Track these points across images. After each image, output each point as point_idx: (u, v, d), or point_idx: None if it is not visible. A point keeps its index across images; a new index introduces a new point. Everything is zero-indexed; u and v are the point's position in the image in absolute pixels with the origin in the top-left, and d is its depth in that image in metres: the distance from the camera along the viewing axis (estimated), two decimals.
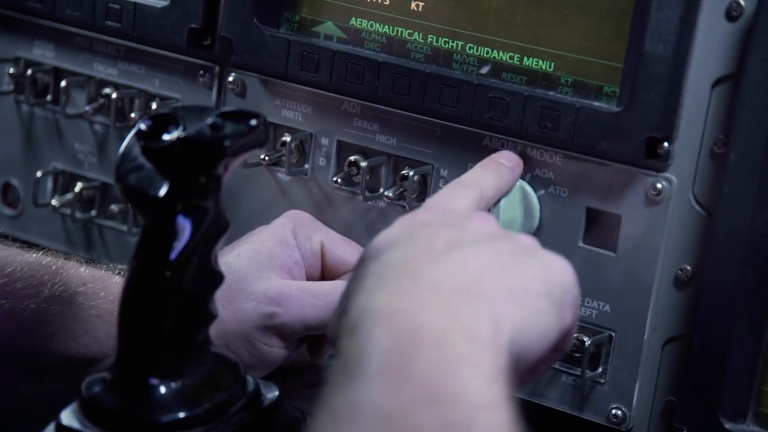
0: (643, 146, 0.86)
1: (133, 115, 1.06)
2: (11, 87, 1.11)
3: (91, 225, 1.11)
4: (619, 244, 0.89)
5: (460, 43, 0.93)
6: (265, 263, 0.89)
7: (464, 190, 0.77)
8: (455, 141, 0.94)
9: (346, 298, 0.68)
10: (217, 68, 1.03)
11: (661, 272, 0.88)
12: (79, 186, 1.10)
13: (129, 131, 0.73)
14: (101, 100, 1.08)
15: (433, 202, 0.75)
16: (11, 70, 1.11)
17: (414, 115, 0.95)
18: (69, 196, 1.10)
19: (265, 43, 0.97)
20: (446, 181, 0.94)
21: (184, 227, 0.71)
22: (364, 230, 0.97)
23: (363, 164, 0.96)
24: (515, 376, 0.65)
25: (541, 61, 0.90)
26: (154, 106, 1.05)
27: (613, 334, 0.90)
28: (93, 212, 1.10)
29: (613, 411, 0.90)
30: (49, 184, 1.11)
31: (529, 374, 0.70)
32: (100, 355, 0.84)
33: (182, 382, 0.73)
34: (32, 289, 0.84)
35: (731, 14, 0.84)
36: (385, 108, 0.96)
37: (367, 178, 0.96)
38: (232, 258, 0.88)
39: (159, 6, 1.02)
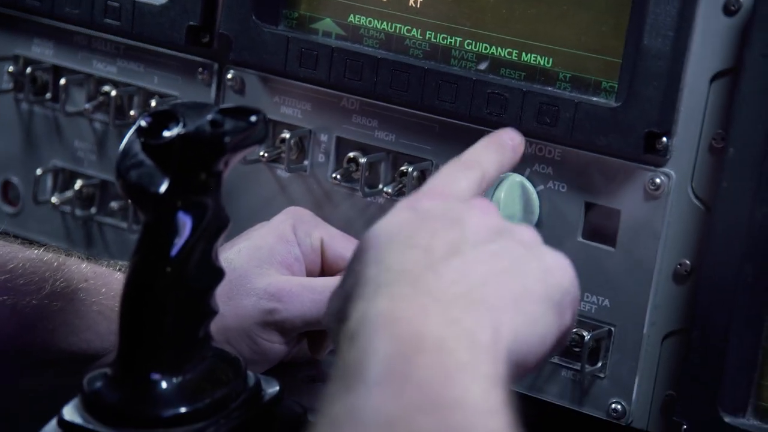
0: (641, 141, 0.86)
1: (132, 112, 1.06)
2: (11, 85, 1.11)
3: (91, 222, 1.11)
4: (618, 238, 0.89)
5: (458, 39, 0.93)
6: (265, 259, 0.89)
7: (466, 170, 0.75)
8: (454, 137, 0.94)
9: (346, 300, 0.68)
10: (215, 65, 1.03)
11: (660, 267, 0.88)
12: (78, 183, 1.10)
13: (128, 129, 0.73)
14: (100, 98, 1.08)
15: (433, 184, 0.74)
16: (11, 69, 1.11)
17: (413, 111, 0.95)
18: (69, 193, 1.10)
19: (263, 40, 0.98)
20: None
21: (185, 223, 0.71)
22: (363, 226, 0.97)
23: (362, 160, 0.96)
24: (514, 378, 0.65)
25: (539, 57, 0.91)
26: (153, 103, 1.05)
27: (612, 328, 0.90)
28: (93, 210, 1.10)
29: (613, 405, 0.90)
30: (49, 181, 1.12)
31: (526, 373, 0.70)
32: (101, 351, 0.84)
33: (183, 377, 0.73)
34: (34, 286, 0.84)
35: (729, 9, 0.84)
36: (384, 104, 0.96)
37: (367, 174, 0.96)
38: (232, 254, 0.88)
39: (157, 4, 1.02)
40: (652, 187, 0.87)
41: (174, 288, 0.72)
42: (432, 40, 0.94)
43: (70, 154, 1.11)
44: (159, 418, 0.72)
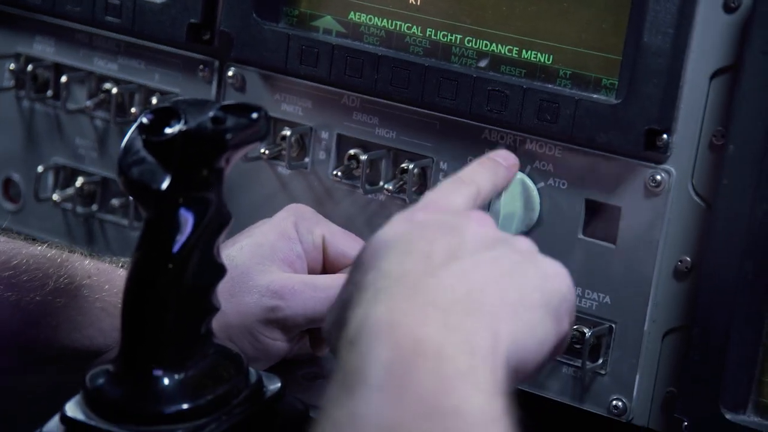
0: (642, 138, 0.86)
1: (133, 109, 1.06)
2: (12, 83, 1.12)
3: (92, 219, 1.11)
4: (618, 235, 0.89)
5: (458, 36, 0.93)
6: (267, 256, 0.89)
7: (461, 186, 0.77)
8: (454, 134, 0.94)
9: (345, 308, 0.68)
10: (216, 63, 1.03)
11: (661, 264, 0.88)
12: (80, 181, 1.10)
13: (129, 126, 0.74)
14: (101, 95, 1.08)
15: (430, 198, 0.75)
16: (12, 66, 1.11)
17: (413, 108, 0.95)
18: (70, 190, 1.10)
19: (264, 38, 0.98)
20: (446, 174, 0.94)
21: (187, 220, 0.72)
22: (364, 223, 0.98)
23: (363, 158, 0.97)
24: (512, 384, 0.65)
25: (539, 54, 0.91)
26: (154, 100, 1.05)
27: (613, 325, 0.90)
28: (94, 207, 1.10)
29: (614, 402, 0.90)
30: (50, 178, 1.12)
31: (524, 379, 0.71)
32: (104, 348, 0.84)
33: (185, 373, 0.73)
34: (37, 282, 0.85)
35: (729, 6, 0.84)
36: (385, 101, 0.96)
37: (367, 171, 0.96)
38: (234, 251, 0.88)
39: (158, 1, 1.02)
40: (653, 184, 0.88)
41: (176, 285, 0.72)
42: (432, 37, 0.94)
43: (71, 152, 1.11)
44: (161, 414, 0.72)
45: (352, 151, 0.98)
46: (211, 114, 0.72)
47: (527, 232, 0.92)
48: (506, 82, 0.90)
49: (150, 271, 0.72)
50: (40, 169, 1.11)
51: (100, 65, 1.08)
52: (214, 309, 0.75)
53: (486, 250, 0.69)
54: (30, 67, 1.10)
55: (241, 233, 0.91)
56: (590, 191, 0.90)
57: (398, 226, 0.71)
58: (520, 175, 0.91)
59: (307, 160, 1.00)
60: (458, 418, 0.60)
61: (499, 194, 0.89)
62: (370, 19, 0.96)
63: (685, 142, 0.87)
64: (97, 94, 1.08)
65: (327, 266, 0.92)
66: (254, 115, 0.73)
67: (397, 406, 0.59)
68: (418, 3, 0.94)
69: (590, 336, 0.90)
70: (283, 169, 1.00)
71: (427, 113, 0.95)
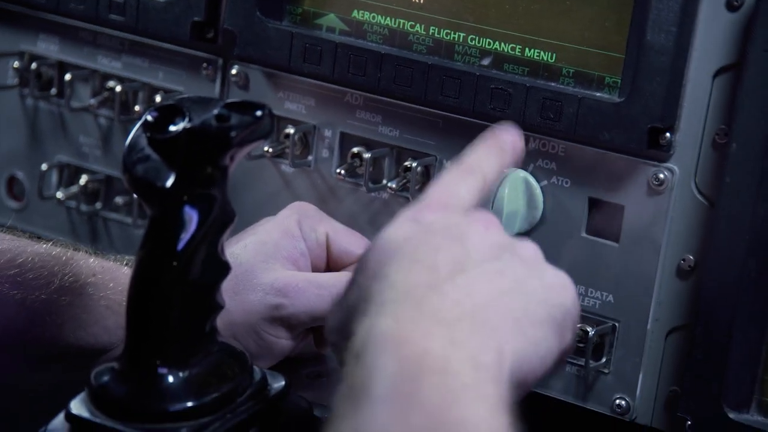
0: (645, 136, 0.86)
1: (137, 108, 1.06)
2: (16, 81, 1.12)
3: (96, 217, 1.11)
4: (621, 234, 0.89)
5: (461, 34, 0.93)
6: (271, 254, 0.89)
7: (467, 176, 0.75)
8: (458, 132, 0.94)
9: (349, 314, 0.68)
10: (220, 61, 1.03)
11: (664, 262, 0.88)
12: (84, 179, 1.10)
13: (133, 124, 0.74)
14: (105, 93, 1.08)
15: (435, 192, 0.74)
16: (16, 64, 1.11)
17: (416, 106, 0.95)
18: (74, 188, 1.10)
19: (267, 36, 0.98)
20: None
21: (191, 218, 0.72)
22: (367, 221, 0.98)
23: (366, 156, 0.97)
24: (515, 397, 0.65)
25: (542, 52, 0.91)
26: (157, 98, 1.05)
27: (616, 324, 0.90)
28: (98, 205, 1.10)
29: (617, 401, 0.90)
30: (54, 177, 1.12)
31: (525, 392, 0.71)
32: (108, 346, 0.84)
33: (190, 371, 0.73)
34: (43, 280, 0.85)
35: (732, 4, 0.84)
36: (388, 99, 0.96)
37: (371, 169, 0.97)
38: (238, 249, 0.88)
39: (162, 0, 1.02)
40: (656, 183, 0.88)
41: (180, 282, 0.72)
42: (435, 35, 0.94)
43: (75, 150, 1.11)
44: (165, 412, 0.72)
45: (355, 149, 0.98)
46: (215, 111, 0.72)
47: (530, 230, 0.92)
48: (509, 80, 0.90)
49: (154, 269, 0.72)
50: (44, 167, 1.11)
51: (104, 63, 1.08)
52: (218, 307, 0.75)
53: (491, 260, 0.69)
54: (34, 65, 1.10)
55: (245, 231, 0.91)
56: (593, 189, 0.90)
57: (403, 228, 0.70)
58: (523, 173, 0.91)
59: (310, 158, 1.00)
60: None
61: (502, 192, 0.90)
62: (374, 17, 0.96)
63: (688, 141, 0.87)
64: (101, 92, 1.08)
65: (331, 264, 0.92)
66: (258, 113, 0.73)
67: (403, 419, 0.60)
68: (422, 1, 0.94)
69: (593, 335, 0.90)
70: (286, 167, 1.00)
71: (430, 111, 0.95)
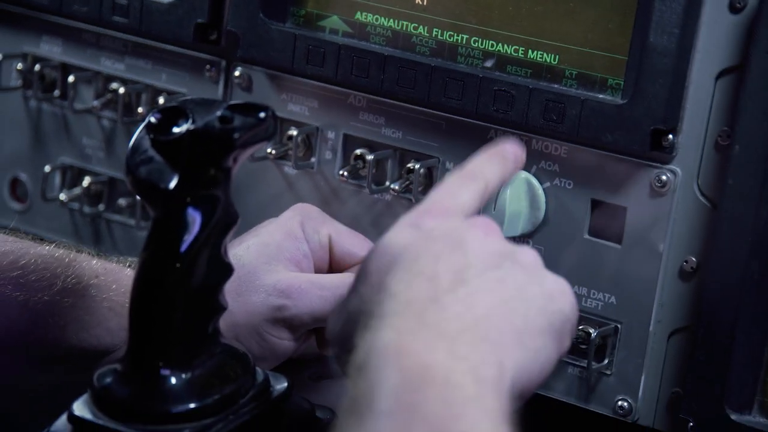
0: (647, 138, 0.86)
1: (140, 109, 1.06)
2: (19, 82, 1.12)
3: (99, 219, 1.11)
4: (624, 235, 0.89)
5: (464, 36, 0.94)
6: (273, 256, 0.89)
7: (469, 182, 0.76)
8: (461, 134, 0.94)
9: (350, 323, 0.68)
10: (223, 63, 1.03)
11: (666, 264, 0.88)
12: (87, 180, 1.10)
13: (136, 126, 0.74)
14: (108, 95, 1.08)
15: (437, 197, 0.74)
16: (19, 66, 1.11)
17: (419, 108, 0.95)
18: (77, 190, 1.10)
19: (271, 38, 0.98)
20: None
21: (194, 219, 0.72)
22: (370, 223, 0.98)
23: (369, 157, 0.97)
24: (514, 405, 0.66)
25: (545, 54, 0.91)
26: (161, 100, 1.06)
27: (618, 325, 0.90)
28: (101, 206, 1.11)
29: (619, 402, 0.90)
30: (58, 178, 1.12)
31: (524, 400, 0.71)
32: (111, 347, 0.84)
33: (192, 373, 0.73)
34: (45, 282, 0.85)
35: (735, 6, 0.84)
36: (391, 101, 0.96)
37: (374, 171, 0.97)
38: (241, 251, 0.88)
39: (165, 1, 1.02)
40: (658, 185, 0.88)
41: (183, 284, 0.72)
42: (439, 37, 0.94)
43: (78, 152, 1.11)
44: (168, 413, 0.72)
45: (358, 151, 0.98)
46: (218, 113, 0.72)
47: (533, 231, 0.92)
48: (512, 82, 0.90)
49: (158, 271, 0.72)
50: (47, 168, 1.11)
51: (108, 65, 1.08)
52: (221, 308, 0.76)
53: (491, 269, 0.69)
54: (37, 67, 1.10)
55: (247, 233, 0.91)
56: (596, 191, 0.90)
57: (404, 234, 0.70)
58: (526, 175, 0.91)
59: (313, 159, 1.00)
60: None
61: (504, 193, 0.90)
62: (377, 19, 0.96)
63: (691, 143, 0.87)
64: (104, 94, 1.08)
65: (333, 265, 0.92)
66: (262, 115, 0.73)
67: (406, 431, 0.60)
68: (425, 3, 0.95)
69: (596, 336, 0.90)
70: (289, 168, 1.01)
71: (433, 113, 0.95)
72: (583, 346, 0.90)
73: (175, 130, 0.71)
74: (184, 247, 0.72)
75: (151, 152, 0.72)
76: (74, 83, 1.08)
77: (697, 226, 0.87)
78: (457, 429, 0.60)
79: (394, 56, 0.94)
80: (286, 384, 0.79)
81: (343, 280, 0.88)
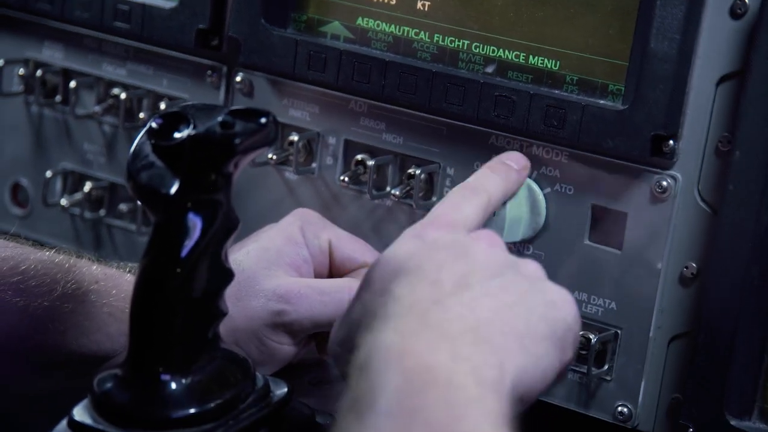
0: (648, 144, 0.86)
1: (141, 115, 1.07)
2: (21, 88, 1.12)
3: (100, 224, 1.11)
4: (624, 241, 0.89)
5: (466, 42, 0.94)
6: (273, 261, 0.89)
7: (471, 196, 0.77)
8: (462, 139, 0.94)
9: (353, 329, 0.68)
10: (224, 68, 1.03)
11: (667, 270, 0.88)
12: (88, 186, 1.10)
13: (138, 131, 0.74)
14: (110, 101, 1.08)
15: (440, 211, 0.75)
16: (21, 71, 1.12)
17: (420, 113, 0.95)
18: (78, 195, 1.11)
19: (272, 43, 0.98)
20: (453, 180, 0.94)
21: (195, 225, 0.72)
22: (371, 228, 0.98)
23: (370, 163, 0.97)
24: (515, 411, 0.66)
25: (546, 60, 0.91)
26: (162, 106, 1.06)
27: (618, 331, 0.90)
28: (102, 212, 1.11)
29: (619, 408, 0.90)
30: (59, 184, 1.12)
31: (525, 407, 0.71)
32: (111, 353, 0.85)
33: (192, 378, 0.73)
34: (45, 287, 0.85)
35: (736, 12, 0.85)
36: (392, 107, 0.96)
37: (374, 176, 0.97)
38: (241, 256, 0.88)
39: (167, 7, 1.03)
40: (659, 190, 0.88)
41: (184, 289, 0.72)
42: (440, 43, 0.95)
43: (79, 157, 1.11)
44: (168, 418, 0.72)
45: (359, 157, 0.98)
46: (219, 119, 0.72)
47: (534, 237, 0.92)
48: (513, 87, 0.90)
49: (158, 276, 0.72)
50: (48, 174, 1.11)
51: (109, 71, 1.08)
52: (221, 313, 0.76)
53: (494, 276, 0.70)
54: (39, 73, 1.10)
55: (248, 238, 0.91)
56: (596, 197, 0.90)
57: (408, 245, 0.71)
58: (527, 181, 0.91)
59: (314, 165, 1.00)
60: None
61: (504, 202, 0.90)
62: (378, 25, 0.97)
63: (692, 148, 0.87)
64: (106, 99, 1.08)
65: (333, 271, 0.92)
66: (263, 120, 0.73)
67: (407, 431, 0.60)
68: (426, 9, 0.95)
69: (596, 342, 0.90)
70: (290, 174, 1.01)
71: (434, 119, 0.95)
72: (583, 352, 0.90)
73: (177, 135, 0.71)
74: (184, 252, 0.72)
75: (152, 157, 0.72)
76: (76, 89, 1.08)
77: (697, 232, 0.87)
78: (459, 430, 0.61)
79: (395, 62, 0.94)
80: (286, 389, 0.79)
81: (343, 285, 0.88)
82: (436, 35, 0.95)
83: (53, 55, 1.10)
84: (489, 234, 0.74)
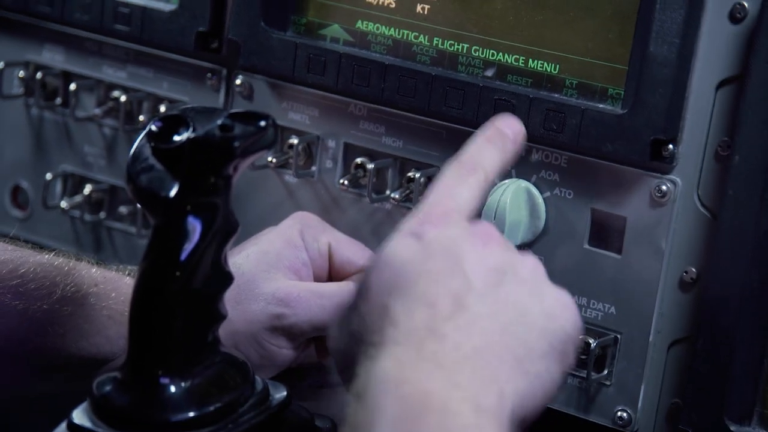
0: (647, 148, 0.86)
1: (141, 117, 1.07)
2: (21, 90, 1.12)
3: (100, 227, 1.11)
4: (624, 245, 0.89)
5: (465, 45, 0.94)
6: (273, 264, 0.89)
7: (467, 176, 0.73)
8: (461, 143, 0.93)
9: (351, 347, 0.68)
10: (224, 71, 1.03)
11: (666, 274, 0.88)
12: (88, 188, 1.10)
13: (138, 134, 0.74)
14: (110, 103, 1.08)
15: (435, 199, 0.73)
16: (21, 74, 1.12)
17: (420, 117, 0.95)
18: (78, 198, 1.11)
19: (272, 46, 0.98)
20: None
21: (195, 228, 0.72)
22: (370, 232, 0.98)
23: (369, 166, 0.97)
24: (518, 428, 0.66)
25: (546, 64, 0.91)
26: (162, 108, 1.06)
27: (618, 336, 0.90)
28: (102, 214, 1.11)
29: (619, 413, 0.90)
30: (59, 186, 1.12)
31: (527, 422, 0.71)
32: (110, 355, 0.85)
33: (192, 381, 0.73)
34: (45, 290, 0.85)
35: (735, 16, 0.85)
36: (392, 110, 0.96)
37: (374, 180, 0.97)
38: (240, 259, 0.88)
39: (167, 10, 1.03)
40: (658, 195, 0.88)
41: (183, 292, 0.72)
42: (439, 46, 0.95)
43: (79, 159, 1.11)
44: (167, 422, 0.72)
45: (358, 160, 0.98)
46: (219, 122, 0.72)
47: (533, 241, 0.92)
48: (513, 91, 0.90)
49: (158, 279, 0.72)
50: (48, 176, 1.11)
51: (109, 73, 1.08)
52: (221, 317, 0.76)
53: (491, 289, 0.69)
54: (39, 75, 1.10)
55: (247, 241, 0.91)
56: (596, 201, 0.90)
57: (404, 247, 0.69)
58: (526, 184, 0.91)
59: (314, 168, 1.00)
60: None
61: (505, 203, 0.89)
62: (378, 28, 0.97)
63: (691, 153, 0.87)
64: (106, 102, 1.09)
65: (333, 274, 0.92)
66: (262, 123, 0.73)
67: None
68: (426, 12, 0.95)
69: (595, 346, 0.90)
70: (290, 177, 1.01)
71: (433, 122, 0.95)
72: (583, 357, 0.90)
73: (176, 138, 0.71)
74: (184, 255, 0.72)
75: (152, 160, 0.72)
76: (76, 91, 1.08)
77: (697, 237, 0.87)
78: None
79: (394, 65, 0.94)
80: (285, 393, 0.79)
81: (343, 288, 0.88)
82: (435, 38, 0.95)
83: (53, 57, 1.10)
84: (485, 228, 0.72)
